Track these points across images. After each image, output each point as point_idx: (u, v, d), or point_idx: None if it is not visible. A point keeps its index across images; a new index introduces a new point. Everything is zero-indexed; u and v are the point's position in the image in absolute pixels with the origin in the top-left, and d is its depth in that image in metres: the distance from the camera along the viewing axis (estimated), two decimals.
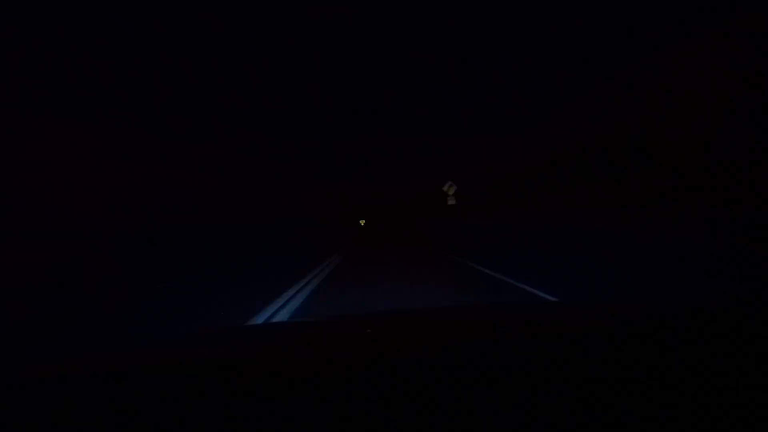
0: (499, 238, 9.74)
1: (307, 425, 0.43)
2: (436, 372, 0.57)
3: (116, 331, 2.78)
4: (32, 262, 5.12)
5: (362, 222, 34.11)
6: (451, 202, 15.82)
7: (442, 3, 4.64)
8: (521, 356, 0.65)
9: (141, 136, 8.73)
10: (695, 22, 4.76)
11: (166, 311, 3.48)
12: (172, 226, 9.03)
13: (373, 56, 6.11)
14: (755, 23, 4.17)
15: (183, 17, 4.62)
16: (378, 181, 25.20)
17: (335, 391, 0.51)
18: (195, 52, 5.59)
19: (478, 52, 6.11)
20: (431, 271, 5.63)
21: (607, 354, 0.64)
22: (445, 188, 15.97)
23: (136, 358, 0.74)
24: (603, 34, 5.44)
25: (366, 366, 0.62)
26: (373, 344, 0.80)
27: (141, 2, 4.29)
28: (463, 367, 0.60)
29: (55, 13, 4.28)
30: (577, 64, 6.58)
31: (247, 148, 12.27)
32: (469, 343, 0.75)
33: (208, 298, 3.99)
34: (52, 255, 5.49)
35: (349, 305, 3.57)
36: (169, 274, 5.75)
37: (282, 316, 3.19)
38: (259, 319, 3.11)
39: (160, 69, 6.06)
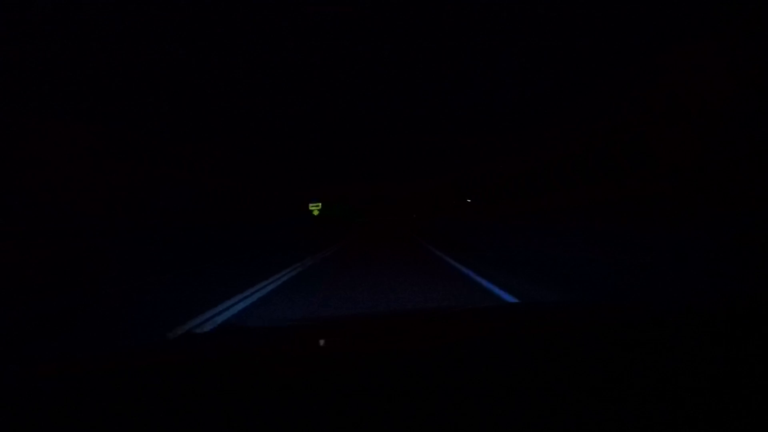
0: (495, 236, 9.75)
1: (304, 426, 0.43)
2: (433, 372, 0.57)
3: (111, 325, 2.78)
4: (29, 260, 5.13)
5: (312, 209, 24.30)
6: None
7: (442, 2, 4.64)
8: (520, 356, 0.65)
9: (141, 136, 8.74)
10: (695, 22, 4.76)
11: (158, 304, 3.55)
12: (170, 225, 9.03)
13: (373, 55, 6.11)
14: (755, 23, 4.17)
15: (183, 16, 4.61)
16: (377, 179, 25.26)
17: (331, 392, 0.51)
18: (194, 50, 5.59)
19: (477, 51, 6.11)
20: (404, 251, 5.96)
21: (607, 354, 0.64)
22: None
23: (135, 358, 0.74)
24: (602, 34, 5.44)
25: (363, 366, 0.62)
26: (370, 344, 0.80)
27: (142, 1, 4.29)
28: (461, 367, 0.60)
29: (54, 11, 4.28)
30: (576, 64, 6.58)
31: (246, 147, 12.28)
32: (468, 343, 0.75)
33: (203, 287, 4.10)
34: (51, 253, 5.49)
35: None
36: (164, 271, 5.80)
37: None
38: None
39: (159, 67, 6.06)
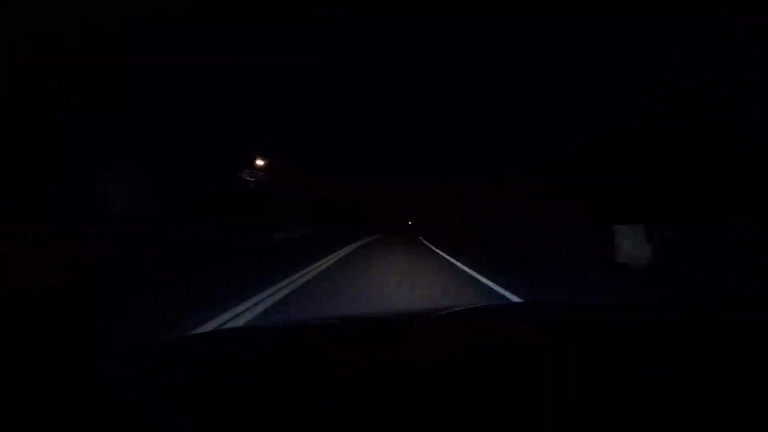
0: (495, 236, 9.75)
1: (304, 426, 0.43)
2: (437, 373, 0.58)
3: (112, 325, 2.78)
4: (28, 260, 5.15)
5: None
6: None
7: (441, 4, 4.65)
8: (521, 357, 0.65)
9: (140, 137, 8.73)
10: (695, 22, 4.76)
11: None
12: (170, 226, 8.98)
13: (373, 56, 6.12)
14: (755, 23, 4.17)
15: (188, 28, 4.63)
16: (377, 181, 25.30)
17: (332, 392, 0.51)
18: (195, 50, 5.60)
19: (478, 52, 6.12)
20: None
21: (608, 353, 0.65)
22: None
23: (135, 358, 0.74)
24: (602, 34, 5.45)
25: (364, 367, 0.62)
26: (373, 345, 0.80)
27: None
28: (464, 367, 0.60)
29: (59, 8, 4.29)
30: (576, 64, 6.59)
31: (249, 148, 12.27)
32: (471, 344, 0.75)
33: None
34: (50, 254, 5.51)
35: None
36: (164, 271, 5.79)
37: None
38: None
39: (165, 73, 6.07)
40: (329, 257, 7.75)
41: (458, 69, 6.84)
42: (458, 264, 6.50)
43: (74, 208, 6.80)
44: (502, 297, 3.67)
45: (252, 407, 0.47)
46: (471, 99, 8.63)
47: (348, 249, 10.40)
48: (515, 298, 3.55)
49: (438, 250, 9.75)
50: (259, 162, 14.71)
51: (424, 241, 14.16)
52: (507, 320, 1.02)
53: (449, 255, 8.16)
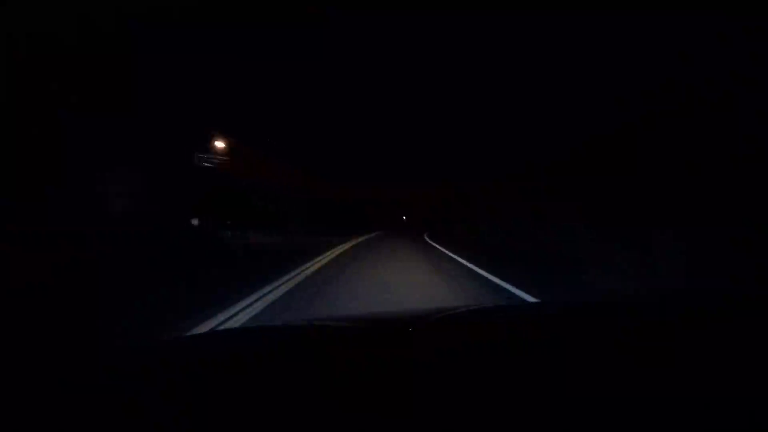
0: (494, 236, 9.73)
1: (305, 426, 0.43)
2: (435, 374, 0.57)
3: (111, 325, 2.78)
4: (31, 260, 5.15)
5: None
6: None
7: (441, 4, 4.65)
8: (520, 357, 0.65)
9: (140, 137, 8.72)
10: (695, 22, 4.76)
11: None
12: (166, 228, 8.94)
13: (373, 56, 6.12)
14: (755, 23, 4.17)
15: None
16: (377, 181, 25.28)
17: (334, 392, 0.51)
18: (196, 52, 5.59)
19: (478, 52, 6.12)
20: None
21: (607, 354, 0.65)
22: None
23: (139, 358, 0.74)
24: (603, 34, 5.45)
25: (367, 368, 0.62)
26: (375, 346, 0.80)
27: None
28: (463, 368, 0.60)
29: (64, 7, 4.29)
30: (576, 64, 6.59)
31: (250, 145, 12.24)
32: (470, 345, 0.75)
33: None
34: (52, 254, 5.50)
35: None
36: (164, 271, 5.76)
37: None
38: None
39: (161, 74, 6.06)
40: (325, 256, 7.75)
41: (458, 69, 6.84)
42: (459, 259, 6.80)
43: (74, 208, 6.79)
44: (503, 290, 3.74)
45: (252, 407, 0.47)
46: (471, 99, 8.63)
47: (347, 246, 10.41)
48: (515, 291, 3.60)
49: (439, 246, 9.99)
50: (218, 143, 12.94)
51: (426, 239, 14.31)
52: (507, 321, 1.02)
53: (450, 252, 8.36)
